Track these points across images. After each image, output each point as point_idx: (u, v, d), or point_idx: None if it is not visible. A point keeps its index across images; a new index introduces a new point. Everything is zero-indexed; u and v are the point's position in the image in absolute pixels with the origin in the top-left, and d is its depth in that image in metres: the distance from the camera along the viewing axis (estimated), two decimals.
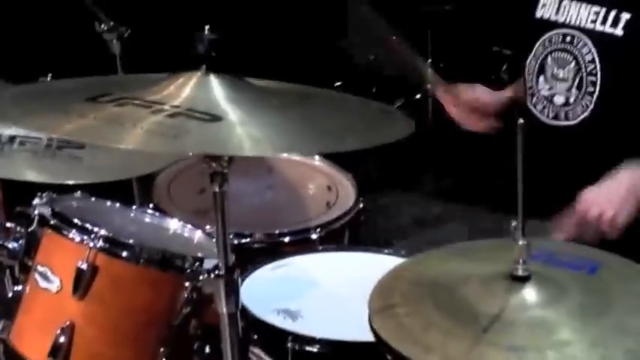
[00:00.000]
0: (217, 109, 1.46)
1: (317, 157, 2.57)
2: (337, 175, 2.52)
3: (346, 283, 2.01)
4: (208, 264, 1.78)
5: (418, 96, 4.00)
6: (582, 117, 2.08)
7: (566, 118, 2.09)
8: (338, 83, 3.83)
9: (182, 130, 1.42)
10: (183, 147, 1.47)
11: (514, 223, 1.51)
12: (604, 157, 2.06)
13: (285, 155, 2.55)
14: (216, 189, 1.55)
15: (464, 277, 1.59)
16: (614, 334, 1.44)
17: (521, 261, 1.52)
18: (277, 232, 2.25)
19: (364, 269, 1.99)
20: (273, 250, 2.18)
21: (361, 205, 2.41)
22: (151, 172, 2.39)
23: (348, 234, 2.37)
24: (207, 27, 1.51)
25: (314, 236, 2.27)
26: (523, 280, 1.52)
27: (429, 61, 4.01)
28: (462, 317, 1.50)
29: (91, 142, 1.56)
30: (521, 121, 1.53)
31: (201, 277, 1.62)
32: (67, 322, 1.79)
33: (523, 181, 1.52)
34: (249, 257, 2.08)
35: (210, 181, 1.56)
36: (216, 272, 1.55)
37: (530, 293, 1.51)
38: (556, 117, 2.11)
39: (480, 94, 2.38)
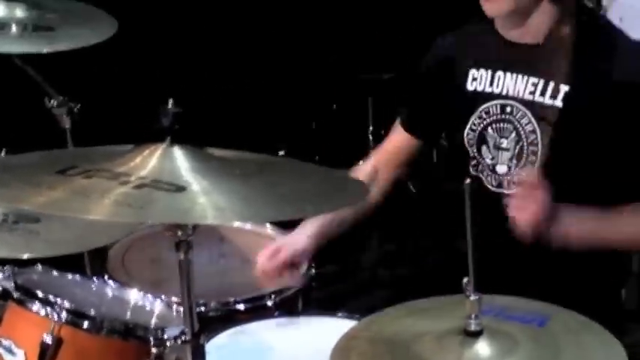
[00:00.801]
0: (181, 180, 1.52)
1: (268, 225, 2.62)
2: None
3: (302, 347, 2.06)
4: (170, 332, 1.83)
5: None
6: None
7: (509, 187, 2.12)
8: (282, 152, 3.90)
9: (148, 200, 1.48)
10: (149, 217, 1.53)
11: (465, 280, 1.59)
12: None
13: (237, 224, 2.61)
14: (182, 256, 1.60)
15: (419, 333, 1.66)
16: None
17: (473, 316, 1.59)
18: (232, 300, 2.29)
19: (320, 333, 2.04)
20: (228, 318, 2.21)
21: (313, 272, 2.46)
22: (103, 245, 2.43)
23: (301, 300, 2.41)
24: (170, 100, 1.58)
25: (269, 303, 2.31)
26: (476, 334, 1.59)
27: (371, 128, 4.14)
28: None
29: (60, 214, 1.60)
30: (467, 181, 1.61)
31: (168, 344, 1.66)
32: None
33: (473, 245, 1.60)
34: (204, 325, 2.10)
35: (176, 249, 1.61)
36: (183, 338, 1.59)
37: (483, 347, 1.58)
38: (499, 185, 2.14)
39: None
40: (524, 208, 1.97)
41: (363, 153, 3.37)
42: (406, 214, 3.87)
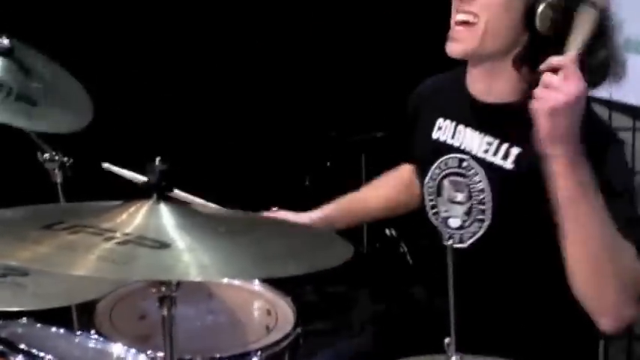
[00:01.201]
0: (166, 236, 1.54)
1: (257, 282, 2.63)
2: (276, 299, 2.58)
3: None
4: None
5: None
6: (471, 241, 2.13)
7: (460, 241, 2.14)
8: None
9: (131, 256, 1.50)
10: (132, 273, 1.54)
11: (447, 340, 1.61)
12: (495, 280, 2.13)
13: (225, 280, 2.62)
14: (165, 312, 1.61)
15: None
16: None
17: None
18: (218, 356, 2.29)
19: None
20: None
21: (299, 330, 2.46)
22: (91, 299, 2.43)
23: (287, 358, 2.41)
24: (158, 158, 1.60)
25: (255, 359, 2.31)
26: None
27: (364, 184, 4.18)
28: None
29: (46, 269, 1.62)
30: (449, 242, 1.63)
31: None
32: None
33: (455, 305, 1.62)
34: None
35: (159, 304, 1.62)
36: None
37: None
38: (451, 238, 2.14)
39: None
40: (547, 98, 1.83)
41: None
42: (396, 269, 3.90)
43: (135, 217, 1.59)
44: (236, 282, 2.64)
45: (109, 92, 2.70)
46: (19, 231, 1.53)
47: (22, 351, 1.86)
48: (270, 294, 2.59)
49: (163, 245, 1.52)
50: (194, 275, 1.52)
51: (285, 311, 2.54)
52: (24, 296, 2.21)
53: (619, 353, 3.42)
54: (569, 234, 1.85)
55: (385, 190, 2.58)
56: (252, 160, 4.17)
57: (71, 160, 2.81)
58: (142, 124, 3.89)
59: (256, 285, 2.63)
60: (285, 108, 4.16)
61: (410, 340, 1.97)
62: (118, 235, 1.53)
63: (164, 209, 1.59)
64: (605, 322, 1.89)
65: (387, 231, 4.09)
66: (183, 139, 3.89)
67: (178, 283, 1.59)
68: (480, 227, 2.11)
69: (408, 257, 4.06)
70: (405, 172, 2.53)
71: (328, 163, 4.39)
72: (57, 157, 2.83)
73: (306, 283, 3.64)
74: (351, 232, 4.06)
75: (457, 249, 2.10)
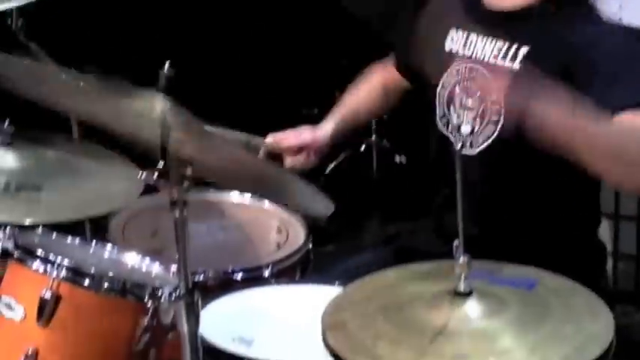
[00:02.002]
0: None
1: (266, 201, 2.66)
2: (287, 216, 2.61)
3: (299, 312, 2.09)
4: (166, 290, 1.86)
5: (362, 148, 4.12)
6: (484, 146, 2.16)
7: (471, 146, 2.17)
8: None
9: None
10: None
11: (456, 242, 1.63)
12: (506, 185, 2.17)
13: (238, 199, 2.65)
14: (177, 215, 1.64)
15: (411, 294, 1.70)
16: (551, 341, 1.55)
17: (462, 277, 1.63)
18: (230, 269, 2.32)
19: (316, 300, 2.07)
20: (225, 287, 2.24)
21: (310, 245, 2.49)
22: (104, 215, 2.46)
23: (299, 273, 2.45)
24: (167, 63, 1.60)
25: (266, 273, 2.34)
26: (465, 295, 1.63)
27: None
28: (410, 330, 1.60)
29: None
30: (458, 146, 1.65)
31: (162, 299, 1.69)
32: (31, 350, 1.84)
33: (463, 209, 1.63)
34: (202, 294, 2.14)
35: (171, 208, 1.64)
36: (177, 293, 1.63)
37: (472, 307, 1.61)
38: (462, 145, 2.17)
39: (307, 135, 2.53)
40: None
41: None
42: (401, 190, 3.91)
43: None
44: (247, 200, 2.67)
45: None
46: None
47: (38, 256, 1.90)
48: (280, 212, 2.62)
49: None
50: None
51: (295, 228, 2.57)
52: (37, 209, 2.24)
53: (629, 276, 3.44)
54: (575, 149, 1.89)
55: (367, 93, 2.61)
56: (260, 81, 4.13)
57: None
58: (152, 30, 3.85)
59: (267, 204, 2.65)
60: (296, 31, 4.12)
61: (420, 257, 1.99)
62: None
63: None
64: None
65: (397, 157, 4.10)
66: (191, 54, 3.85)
67: (189, 184, 1.61)
68: (492, 131, 2.15)
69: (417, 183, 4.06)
70: (374, 79, 2.59)
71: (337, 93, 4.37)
72: None
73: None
74: (361, 157, 4.09)
75: (467, 156, 2.14)
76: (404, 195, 3.96)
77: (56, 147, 2.42)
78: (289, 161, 2.53)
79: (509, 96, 2.10)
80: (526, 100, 1.92)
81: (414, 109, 2.46)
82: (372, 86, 2.60)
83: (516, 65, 2.11)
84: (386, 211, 4.04)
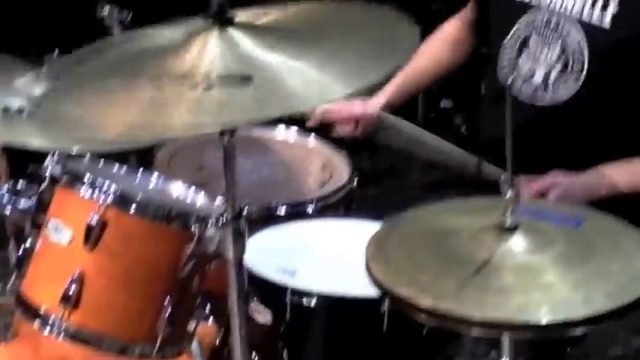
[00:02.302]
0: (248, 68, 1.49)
1: (312, 138, 2.66)
2: (331, 154, 2.61)
3: (342, 245, 2.11)
4: (213, 218, 1.86)
5: None
6: (565, 99, 2.14)
7: (545, 99, 2.16)
8: None
9: (220, 101, 1.44)
10: (228, 119, 1.47)
11: (503, 176, 1.62)
12: (582, 140, 2.14)
13: (282, 136, 2.65)
14: (225, 142, 1.64)
15: (455, 228, 1.69)
16: (595, 279, 1.54)
17: (509, 212, 1.62)
18: (274, 203, 2.33)
19: (359, 234, 2.08)
20: (269, 222, 2.25)
21: (355, 184, 2.49)
22: (150, 148, 2.48)
23: (342, 211, 2.45)
24: None
25: (310, 209, 2.35)
26: (511, 230, 1.62)
27: None
28: (453, 262, 1.60)
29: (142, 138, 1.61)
30: (510, 79, 1.63)
31: (209, 225, 1.70)
32: (78, 273, 1.87)
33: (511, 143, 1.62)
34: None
35: (219, 135, 1.64)
36: (224, 219, 1.64)
37: (517, 242, 1.61)
38: (534, 95, 2.17)
39: (357, 107, 2.54)
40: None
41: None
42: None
43: (205, 51, 1.54)
44: (292, 138, 2.67)
45: None
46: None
47: (86, 182, 1.91)
48: (325, 150, 2.63)
49: (246, 78, 1.47)
50: (309, 100, 1.45)
51: (340, 167, 2.57)
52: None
53: None
54: None
55: (433, 56, 2.59)
56: None
57: (130, 14, 2.81)
58: None
59: (312, 141, 2.66)
60: None
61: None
62: (197, 78, 1.47)
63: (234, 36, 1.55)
64: None
65: (443, 102, 4.06)
66: None
67: None
68: (576, 81, 2.12)
69: (463, 129, 4.04)
70: (448, 30, 2.56)
71: None
72: (116, 13, 2.84)
73: (361, 150, 3.64)
74: (406, 103, 4.06)
75: (538, 107, 2.16)
76: (448, 141, 3.93)
77: None
78: (338, 130, 2.56)
79: (595, 53, 2.07)
80: (616, 60, 1.92)
81: None
82: (440, 40, 2.58)
83: (606, 23, 2.07)
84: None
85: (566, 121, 2.15)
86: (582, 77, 2.10)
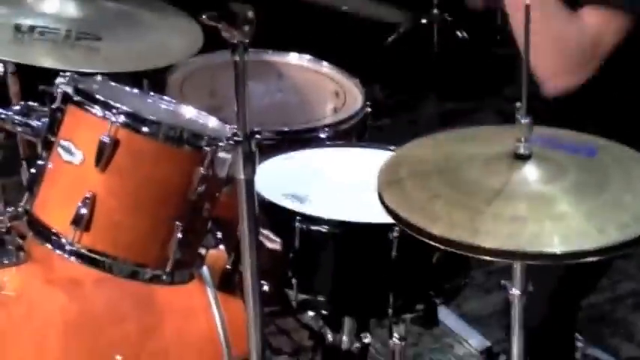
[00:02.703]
0: None
1: (325, 64, 2.63)
2: (345, 81, 2.59)
3: (354, 172, 2.09)
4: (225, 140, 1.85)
5: (424, 20, 4.04)
6: None
7: None
8: None
9: None
10: None
11: (518, 104, 1.60)
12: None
13: (296, 61, 2.63)
14: (237, 58, 1.62)
15: (468, 156, 1.68)
16: (609, 209, 1.54)
17: (523, 139, 1.60)
18: (286, 129, 2.32)
19: (371, 161, 2.07)
20: (281, 147, 2.24)
21: (368, 111, 2.47)
22: (162, 71, 2.46)
23: (354, 139, 2.43)
24: None
25: (322, 135, 2.34)
26: (525, 158, 1.61)
27: None
28: (466, 191, 1.59)
29: None
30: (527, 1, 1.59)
31: (220, 146, 1.69)
32: (89, 193, 1.86)
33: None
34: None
35: (232, 52, 1.62)
36: (236, 139, 1.63)
37: (531, 170, 1.60)
38: None
39: None
40: None
41: None
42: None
43: None
44: (306, 63, 2.65)
45: None
46: None
47: (97, 101, 1.90)
48: (339, 76, 2.60)
49: None
50: None
51: (353, 93, 2.55)
52: (96, 59, 2.25)
53: None
54: None
55: None
56: None
57: None
58: None
59: (325, 67, 2.63)
60: None
61: None
62: None
63: None
64: (547, 87, 1.98)
65: (458, 33, 4.03)
66: None
67: (250, 31, 1.57)
68: None
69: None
70: None
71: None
72: None
73: (374, 82, 3.62)
74: (421, 32, 4.02)
75: None
76: (463, 72, 3.91)
77: None
78: None
79: None
80: None
81: None
82: None
83: None
84: (444, 87, 3.99)
85: None
86: None
